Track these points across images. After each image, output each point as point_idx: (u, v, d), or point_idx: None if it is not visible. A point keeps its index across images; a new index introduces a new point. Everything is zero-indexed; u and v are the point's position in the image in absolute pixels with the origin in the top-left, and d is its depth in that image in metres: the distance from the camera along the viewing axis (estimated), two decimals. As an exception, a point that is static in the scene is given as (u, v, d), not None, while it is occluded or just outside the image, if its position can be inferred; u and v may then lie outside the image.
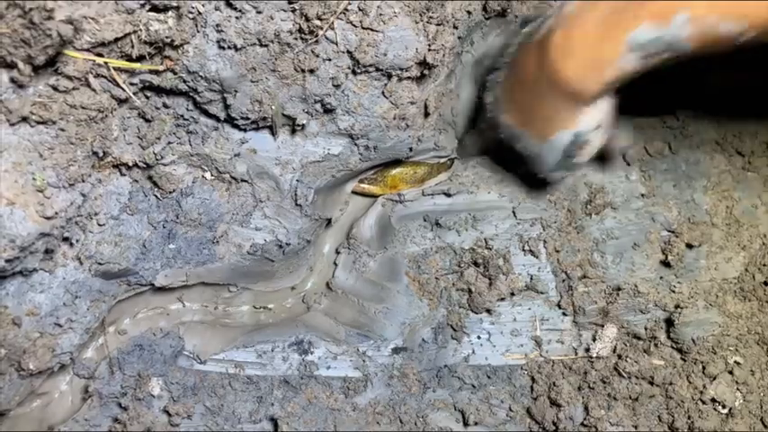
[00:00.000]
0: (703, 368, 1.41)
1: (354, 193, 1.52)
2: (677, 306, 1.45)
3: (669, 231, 1.51)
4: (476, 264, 1.47)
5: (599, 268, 1.50)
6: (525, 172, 1.42)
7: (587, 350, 1.46)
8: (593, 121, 1.19)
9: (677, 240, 1.49)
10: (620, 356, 1.43)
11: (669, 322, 1.44)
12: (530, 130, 1.26)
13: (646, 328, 1.47)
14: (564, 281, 1.48)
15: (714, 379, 1.39)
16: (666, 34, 0.97)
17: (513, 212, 1.51)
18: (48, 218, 1.06)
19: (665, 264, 1.50)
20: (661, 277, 1.51)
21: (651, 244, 1.52)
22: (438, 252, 1.50)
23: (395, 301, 1.47)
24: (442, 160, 1.53)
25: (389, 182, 1.50)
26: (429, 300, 1.49)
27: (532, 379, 1.45)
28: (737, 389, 1.39)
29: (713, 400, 1.38)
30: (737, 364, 1.40)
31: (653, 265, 1.51)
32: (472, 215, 1.51)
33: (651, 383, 1.41)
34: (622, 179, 1.53)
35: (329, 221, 1.50)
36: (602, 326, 1.47)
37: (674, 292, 1.48)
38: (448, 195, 1.52)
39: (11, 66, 0.96)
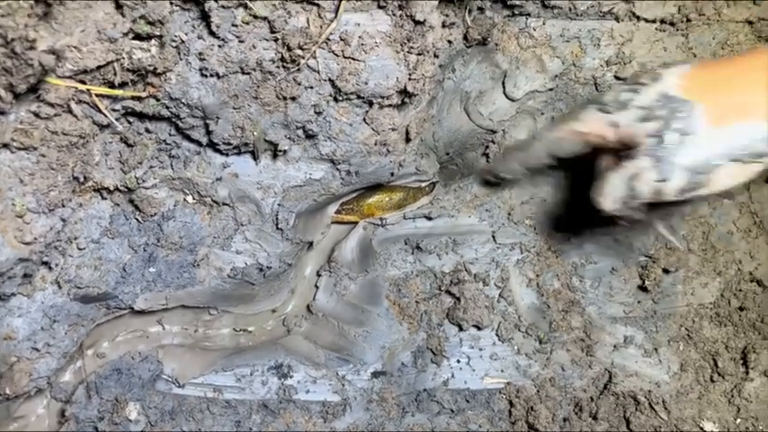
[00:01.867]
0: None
1: (333, 222, 1.53)
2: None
3: (646, 256, 1.54)
4: (456, 287, 1.48)
5: (578, 293, 1.52)
6: None
7: (565, 374, 1.47)
8: None
9: (654, 265, 1.51)
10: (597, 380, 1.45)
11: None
12: None
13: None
14: (543, 305, 1.50)
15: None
16: None
17: (493, 237, 1.52)
18: (27, 243, 1.06)
19: (643, 289, 1.52)
20: (639, 302, 1.53)
21: (629, 269, 1.54)
22: (418, 276, 1.52)
23: (375, 324, 1.48)
24: (424, 184, 1.54)
25: (365, 210, 1.51)
26: (409, 323, 1.50)
27: (510, 403, 1.46)
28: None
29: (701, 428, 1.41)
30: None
31: (630, 290, 1.53)
32: (452, 239, 1.52)
33: (636, 401, 1.43)
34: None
35: (311, 244, 1.50)
36: (585, 353, 1.49)
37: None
38: (429, 219, 1.54)
39: (-8, 93, 0.97)
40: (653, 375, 1.48)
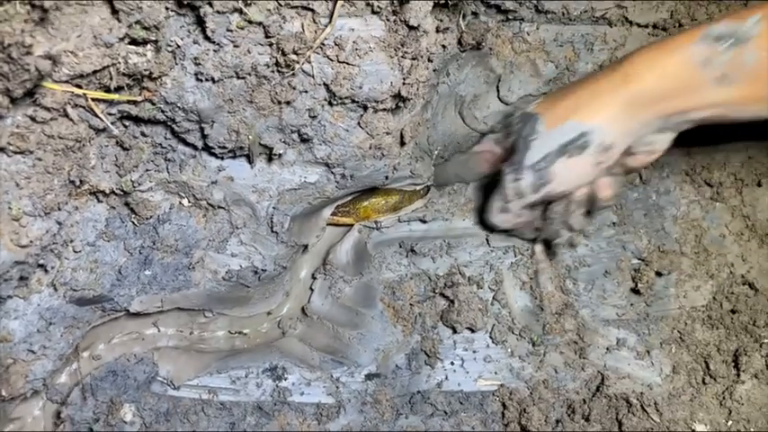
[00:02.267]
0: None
1: (329, 225, 1.54)
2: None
3: (639, 259, 1.55)
4: (450, 290, 1.49)
5: (571, 295, 1.53)
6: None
7: (558, 376, 1.48)
8: None
9: (647, 268, 1.52)
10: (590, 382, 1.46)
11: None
12: None
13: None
14: (536, 308, 1.51)
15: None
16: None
17: (487, 240, 1.53)
18: (23, 246, 1.07)
19: (636, 291, 1.53)
20: (631, 304, 1.54)
21: (622, 272, 1.55)
22: (413, 278, 1.53)
23: (369, 327, 1.49)
24: (419, 187, 1.55)
25: (362, 213, 1.52)
26: (403, 326, 1.51)
27: (504, 405, 1.47)
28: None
29: (693, 430, 1.42)
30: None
31: (623, 293, 1.54)
32: (447, 242, 1.53)
33: (628, 403, 1.44)
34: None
35: (305, 247, 1.51)
36: (578, 355, 1.50)
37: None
38: (423, 222, 1.55)
39: (-11, 97, 0.98)
40: (645, 377, 1.49)
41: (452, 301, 1.49)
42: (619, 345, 1.51)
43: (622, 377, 1.49)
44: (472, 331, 1.50)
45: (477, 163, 1.52)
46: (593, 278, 1.54)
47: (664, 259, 1.53)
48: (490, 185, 1.46)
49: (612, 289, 1.55)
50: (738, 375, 1.47)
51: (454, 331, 1.50)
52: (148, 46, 1.10)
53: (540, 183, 1.28)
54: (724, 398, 1.46)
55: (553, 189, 1.29)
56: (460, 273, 1.51)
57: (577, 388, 1.49)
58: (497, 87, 1.49)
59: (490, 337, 1.51)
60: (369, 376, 1.47)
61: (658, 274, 1.54)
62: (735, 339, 1.51)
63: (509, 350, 1.51)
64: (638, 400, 1.44)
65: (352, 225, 1.54)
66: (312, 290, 1.51)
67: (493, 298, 1.52)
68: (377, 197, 1.53)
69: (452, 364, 1.49)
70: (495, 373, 1.49)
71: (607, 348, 1.51)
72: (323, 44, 1.17)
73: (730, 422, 1.45)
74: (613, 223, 1.56)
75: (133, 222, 1.32)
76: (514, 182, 1.31)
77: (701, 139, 1.57)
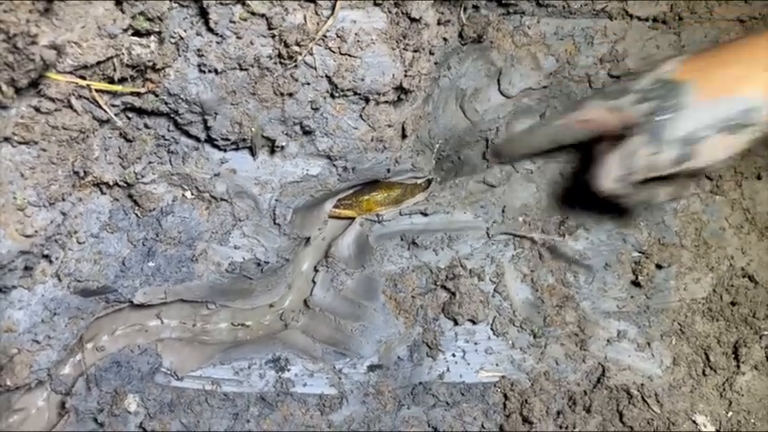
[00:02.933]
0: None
1: (331, 217, 1.55)
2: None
3: (640, 252, 1.55)
4: (451, 282, 1.50)
5: (572, 288, 1.54)
6: None
7: (559, 368, 1.49)
8: None
9: (647, 261, 1.53)
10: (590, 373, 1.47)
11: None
12: None
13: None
14: (537, 300, 1.52)
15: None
16: None
17: (487, 233, 1.54)
18: (27, 236, 1.07)
19: (636, 284, 1.54)
20: (632, 297, 1.54)
21: (622, 264, 1.55)
22: (414, 271, 1.53)
23: (371, 319, 1.50)
24: (420, 181, 1.56)
25: (364, 206, 1.53)
26: (405, 318, 1.51)
27: (505, 396, 1.47)
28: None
29: (693, 421, 1.43)
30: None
31: (624, 285, 1.55)
32: (448, 235, 1.54)
33: (629, 394, 1.44)
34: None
35: (308, 240, 1.52)
36: (579, 347, 1.50)
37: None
38: (425, 215, 1.55)
39: (-7, 88, 0.98)
40: (646, 369, 1.50)
41: (454, 294, 1.49)
42: (619, 337, 1.52)
43: (623, 369, 1.50)
44: (473, 323, 1.51)
45: (578, 130, 1.35)
46: (594, 271, 1.55)
47: (664, 252, 1.54)
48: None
49: (613, 281, 1.55)
50: (738, 367, 1.48)
51: (456, 323, 1.51)
52: (152, 37, 1.10)
53: (683, 158, 1.11)
54: (724, 389, 1.47)
55: (694, 165, 1.13)
56: (462, 265, 1.52)
57: (578, 379, 1.50)
58: (498, 81, 1.50)
59: (491, 329, 1.51)
60: (371, 368, 1.48)
61: (658, 266, 1.54)
62: (735, 331, 1.51)
63: (510, 342, 1.51)
64: (638, 391, 1.45)
65: (354, 218, 1.55)
66: (314, 282, 1.51)
67: (494, 290, 1.53)
68: (379, 190, 1.53)
69: (454, 355, 1.50)
70: (497, 364, 1.50)
71: (608, 340, 1.52)
72: (325, 36, 1.17)
73: (730, 413, 1.46)
74: (613, 217, 1.57)
75: (136, 214, 1.32)
76: (652, 155, 1.13)
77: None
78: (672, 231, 1.56)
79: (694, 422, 1.45)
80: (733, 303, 1.53)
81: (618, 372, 1.49)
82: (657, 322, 1.53)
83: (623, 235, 1.56)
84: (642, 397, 1.45)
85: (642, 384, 1.47)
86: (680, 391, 1.48)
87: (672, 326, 1.53)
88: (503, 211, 1.56)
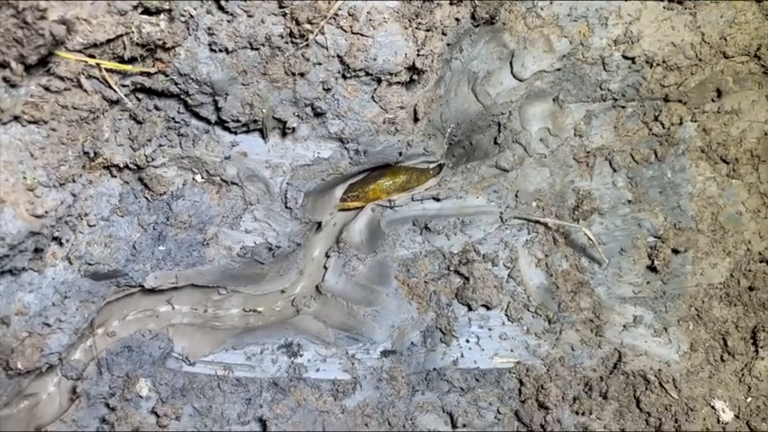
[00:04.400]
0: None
1: (340, 210, 1.54)
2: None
3: (656, 237, 1.53)
4: (464, 267, 1.48)
5: (587, 273, 1.52)
6: None
7: (576, 356, 1.47)
8: None
9: (663, 246, 1.50)
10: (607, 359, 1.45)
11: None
12: None
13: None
14: (552, 286, 1.50)
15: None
16: None
17: (501, 217, 1.52)
18: (38, 216, 1.06)
19: (652, 269, 1.52)
20: (648, 282, 1.52)
21: (638, 249, 1.53)
22: (427, 256, 1.52)
23: (384, 304, 1.48)
24: (432, 166, 1.54)
25: (371, 195, 1.52)
26: (418, 303, 1.50)
27: (521, 382, 1.45)
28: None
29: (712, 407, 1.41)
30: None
31: (639, 271, 1.53)
32: (461, 220, 1.52)
33: (646, 380, 1.42)
34: (609, 186, 1.55)
35: (319, 225, 1.50)
36: (595, 333, 1.48)
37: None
38: (437, 200, 1.54)
39: (3, 65, 0.97)
40: (663, 355, 1.47)
41: (467, 279, 1.48)
42: (636, 322, 1.50)
43: (639, 354, 1.47)
44: (487, 308, 1.49)
45: None
46: (609, 256, 1.52)
47: (680, 236, 1.51)
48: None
49: (628, 267, 1.53)
50: (757, 352, 1.45)
51: (469, 308, 1.49)
52: (162, 15, 1.09)
53: None
54: (743, 374, 1.45)
55: None
56: (475, 250, 1.50)
57: (594, 365, 1.48)
58: (511, 63, 1.48)
59: (506, 315, 1.49)
60: (384, 353, 1.46)
61: (675, 251, 1.52)
62: (753, 316, 1.49)
63: (525, 327, 1.49)
64: (656, 377, 1.42)
65: (362, 207, 1.54)
66: (326, 268, 1.50)
67: (508, 275, 1.51)
68: (384, 178, 1.52)
69: (468, 341, 1.48)
70: (511, 350, 1.48)
71: (624, 326, 1.50)
72: (337, 14, 1.16)
73: (749, 398, 1.43)
74: (629, 201, 1.55)
75: (147, 198, 1.31)
76: None
77: (717, 116, 1.55)
78: (688, 216, 1.54)
79: (713, 407, 1.42)
80: (751, 288, 1.50)
81: (634, 357, 1.47)
82: (674, 307, 1.51)
83: (638, 220, 1.54)
84: (659, 382, 1.42)
85: (659, 370, 1.44)
86: (698, 377, 1.45)
87: (689, 311, 1.51)
88: (516, 196, 1.54)
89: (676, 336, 1.49)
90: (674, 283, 1.52)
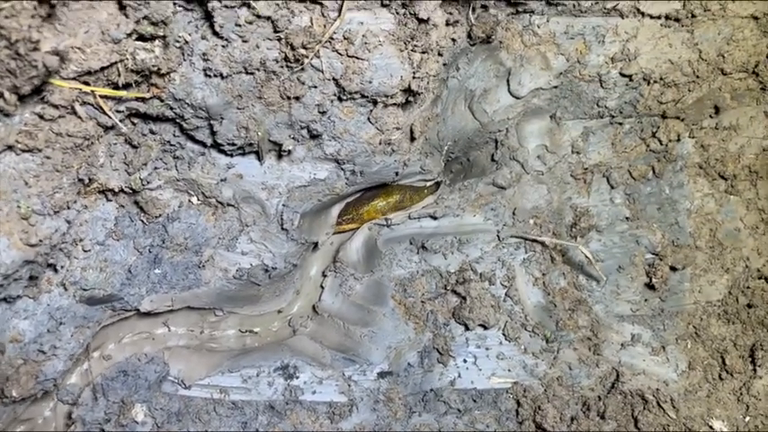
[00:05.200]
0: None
1: (335, 233, 1.53)
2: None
3: (653, 254, 1.53)
4: (461, 287, 1.48)
5: (584, 291, 1.51)
6: None
7: (574, 375, 1.47)
8: None
9: (661, 263, 1.50)
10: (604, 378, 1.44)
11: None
12: None
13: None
14: (549, 304, 1.49)
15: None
16: None
17: (498, 236, 1.52)
18: (32, 245, 1.06)
19: (650, 286, 1.51)
20: (646, 300, 1.52)
21: (636, 267, 1.53)
22: (424, 275, 1.51)
23: (381, 324, 1.48)
24: (429, 183, 1.54)
25: (365, 216, 1.52)
26: (415, 323, 1.49)
27: (518, 403, 1.45)
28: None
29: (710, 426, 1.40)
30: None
31: (638, 288, 1.52)
32: (458, 238, 1.52)
33: (644, 399, 1.42)
34: (607, 203, 1.54)
35: (316, 245, 1.50)
36: (592, 352, 1.48)
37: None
38: (434, 218, 1.53)
39: (-4, 95, 0.97)
40: (661, 374, 1.47)
41: (464, 298, 1.47)
42: (633, 341, 1.49)
43: (637, 373, 1.47)
44: (485, 328, 1.49)
45: None
46: (607, 273, 1.52)
47: (678, 254, 1.51)
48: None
49: (626, 284, 1.53)
50: (755, 371, 1.45)
51: (466, 328, 1.48)
52: (156, 42, 1.09)
53: None
54: (741, 393, 1.44)
55: None
56: (472, 269, 1.50)
57: (592, 384, 1.47)
58: (507, 81, 1.48)
59: (503, 334, 1.49)
60: (381, 374, 1.46)
61: (673, 268, 1.51)
62: (751, 334, 1.49)
63: (522, 347, 1.49)
64: (653, 396, 1.42)
65: (357, 228, 1.53)
66: (323, 288, 1.49)
67: (505, 294, 1.51)
68: (377, 199, 1.51)
69: (465, 361, 1.48)
70: (509, 370, 1.48)
71: (621, 344, 1.49)
72: (332, 38, 1.15)
73: (748, 418, 1.43)
74: (626, 218, 1.54)
75: (142, 221, 1.31)
76: None
77: (715, 132, 1.55)
78: (686, 232, 1.53)
79: (711, 427, 1.42)
80: (749, 306, 1.50)
81: (632, 376, 1.47)
82: (672, 326, 1.51)
83: (636, 237, 1.53)
84: (657, 402, 1.42)
85: (657, 389, 1.44)
86: (696, 396, 1.45)
87: (687, 329, 1.51)
88: (513, 214, 1.53)
89: (674, 354, 1.49)
90: (672, 301, 1.52)
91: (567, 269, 1.52)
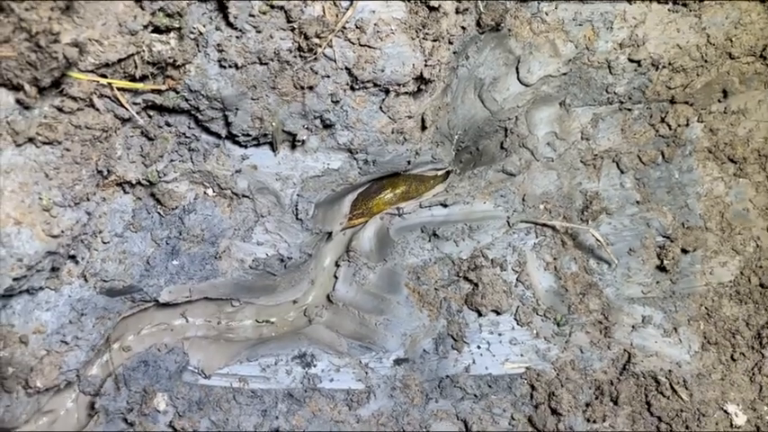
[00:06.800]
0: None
1: (346, 228, 1.55)
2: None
3: (664, 237, 1.53)
4: (473, 273, 1.49)
5: (595, 275, 1.52)
6: None
7: (586, 359, 1.47)
8: None
9: (672, 245, 1.51)
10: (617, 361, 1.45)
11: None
12: None
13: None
14: (561, 289, 1.50)
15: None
16: None
17: (508, 222, 1.53)
18: (54, 236, 1.07)
19: (661, 269, 1.52)
20: (657, 282, 1.53)
21: (647, 249, 1.53)
22: (437, 263, 1.52)
23: (395, 312, 1.49)
24: (440, 173, 1.55)
25: (374, 209, 1.53)
26: (429, 310, 1.50)
27: (532, 387, 1.46)
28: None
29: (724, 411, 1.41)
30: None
31: (649, 270, 1.53)
32: (468, 225, 1.53)
33: (656, 381, 1.43)
34: (617, 187, 1.55)
35: (330, 235, 1.51)
36: (604, 335, 1.49)
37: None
38: (444, 206, 1.54)
39: (17, 88, 0.98)
40: (673, 355, 1.48)
41: (476, 284, 1.48)
42: (645, 322, 1.50)
43: (650, 355, 1.48)
44: (497, 314, 1.49)
45: None
46: (618, 256, 1.53)
47: (689, 236, 1.51)
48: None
49: (637, 267, 1.53)
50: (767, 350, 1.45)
51: (479, 314, 1.49)
52: (172, 33, 1.10)
53: None
54: (754, 374, 1.45)
55: None
56: (483, 255, 1.51)
57: (604, 367, 1.48)
58: (517, 69, 1.48)
59: (515, 320, 1.50)
60: (397, 361, 1.47)
61: (684, 251, 1.52)
62: (764, 313, 1.49)
63: (534, 332, 1.50)
64: (666, 378, 1.43)
65: (367, 221, 1.55)
66: (336, 278, 1.50)
67: (517, 279, 1.52)
68: (384, 191, 1.52)
69: (479, 347, 1.49)
70: (521, 355, 1.49)
71: (633, 327, 1.50)
72: (344, 27, 1.17)
73: (763, 400, 1.42)
74: (636, 201, 1.55)
75: (159, 213, 1.32)
76: None
77: (724, 116, 1.56)
78: (696, 215, 1.54)
79: (725, 411, 1.42)
80: (762, 285, 1.50)
81: (644, 358, 1.47)
82: (684, 307, 1.51)
83: (647, 219, 1.54)
84: (670, 384, 1.43)
85: (670, 371, 1.45)
86: (710, 379, 1.45)
87: (699, 310, 1.51)
88: (523, 200, 1.54)
89: (687, 335, 1.50)
90: (683, 283, 1.53)
91: (578, 253, 1.53)
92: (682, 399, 1.42)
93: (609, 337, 1.50)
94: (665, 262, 1.50)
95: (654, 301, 1.52)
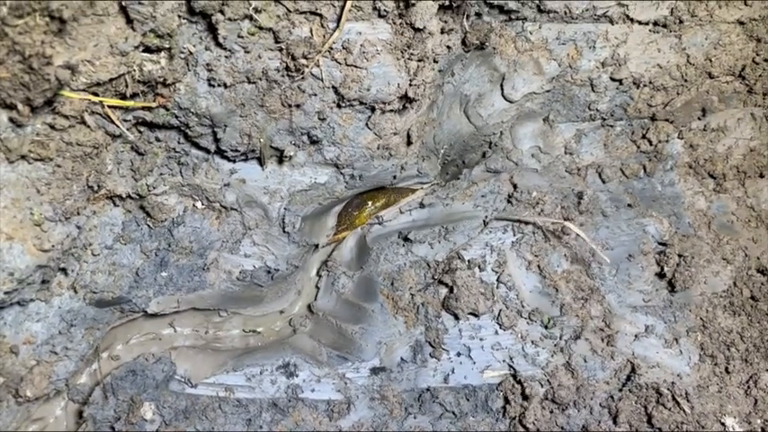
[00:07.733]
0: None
1: (331, 242, 1.57)
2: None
3: (661, 244, 1.52)
4: (448, 276, 1.46)
5: (596, 279, 1.49)
6: None
7: (587, 365, 1.45)
8: None
9: (671, 251, 1.49)
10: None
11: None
12: None
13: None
14: (549, 289, 1.49)
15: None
16: None
17: (484, 221, 1.50)
18: (45, 251, 1.10)
19: (661, 275, 1.50)
20: (657, 290, 1.51)
21: (645, 255, 1.51)
22: (412, 267, 1.50)
23: (370, 320, 1.49)
24: (425, 187, 1.58)
25: (357, 222, 1.55)
26: (405, 317, 1.49)
27: (506, 400, 1.45)
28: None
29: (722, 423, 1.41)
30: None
31: (648, 278, 1.51)
32: (444, 227, 1.50)
33: (658, 393, 1.43)
34: (605, 192, 1.57)
35: (316, 247, 1.54)
36: (606, 343, 1.47)
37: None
38: (423, 206, 1.53)
39: (10, 107, 1.01)
40: (674, 366, 1.46)
41: (452, 287, 1.45)
42: (648, 332, 1.47)
43: (652, 366, 1.45)
44: (476, 317, 1.46)
45: None
46: (617, 262, 1.51)
47: (685, 242, 1.50)
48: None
49: (637, 273, 1.51)
50: (761, 364, 1.44)
51: (457, 318, 1.46)
52: (162, 53, 1.13)
53: None
54: (749, 387, 1.42)
55: None
56: (459, 257, 1.47)
57: (607, 378, 1.44)
58: (501, 86, 1.51)
59: (498, 323, 1.46)
60: (374, 370, 1.46)
61: (680, 256, 1.49)
62: (757, 326, 1.49)
63: (520, 335, 1.46)
64: (668, 390, 1.41)
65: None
66: (318, 288, 1.53)
67: (497, 280, 1.47)
68: (365, 205, 1.55)
69: (459, 354, 1.46)
70: (504, 360, 1.46)
71: (636, 336, 1.47)
72: (331, 48, 1.20)
73: (758, 413, 1.41)
74: (629, 205, 1.55)
75: (148, 225, 1.35)
76: None
77: (704, 133, 1.59)
78: (685, 222, 1.55)
79: (723, 424, 1.42)
80: (753, 298, 1.50)
81: (648, 369, 1.44)
82: (682, 317, 1.50)
83: (643, 225, 1.53)
84: (673, 396, 1.40)
85: (672, 383, 1.43)
86: (708, 391, 1.43)
87: (696, 321, 1.50)
88: (507, 198, 1.52)
89: (686, 347, 1.47)
90: (681, 292, 1.51)
91: (564, 251, 1.49)
92: (684, 411, 1.39)
93: (611, 346, 1.45)
94: (666, 269, 1.48)
95: (654, 310, 1.50)
